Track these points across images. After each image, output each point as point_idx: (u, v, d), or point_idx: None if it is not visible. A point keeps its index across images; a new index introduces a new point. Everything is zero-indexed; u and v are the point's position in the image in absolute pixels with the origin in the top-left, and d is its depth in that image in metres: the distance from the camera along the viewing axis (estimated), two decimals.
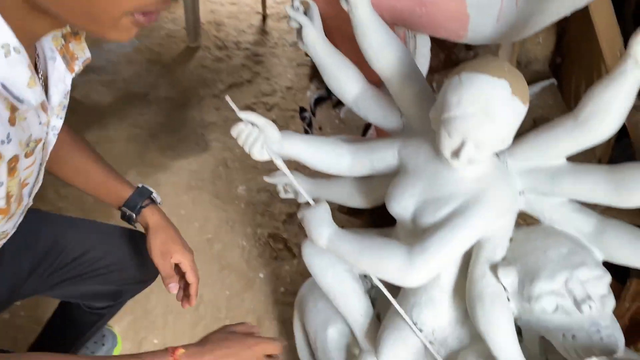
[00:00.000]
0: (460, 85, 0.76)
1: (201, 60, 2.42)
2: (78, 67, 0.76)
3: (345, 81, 1.01)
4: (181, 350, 0.72)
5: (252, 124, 0.91)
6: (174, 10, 2.72)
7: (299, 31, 1.00)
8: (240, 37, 2.56)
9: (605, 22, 1.31)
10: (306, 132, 1.97)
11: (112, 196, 0.97)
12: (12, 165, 0.64)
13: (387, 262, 0.87)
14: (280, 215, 1.76)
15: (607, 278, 0.85)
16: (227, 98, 0.91)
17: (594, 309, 0.82)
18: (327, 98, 2.16)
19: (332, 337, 1.16)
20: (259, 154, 0.92)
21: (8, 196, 0.66)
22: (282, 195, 1.21)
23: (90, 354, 1.33)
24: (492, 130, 0.76)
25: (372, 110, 1.03)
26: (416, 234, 0.90)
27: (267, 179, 1.20)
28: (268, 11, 2.71)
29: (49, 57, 0.71)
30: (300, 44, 1.01)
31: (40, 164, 0.77)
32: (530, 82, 1.59)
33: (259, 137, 0.91)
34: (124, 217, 0.98)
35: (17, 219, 0.81)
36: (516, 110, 0.76)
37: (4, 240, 0.82)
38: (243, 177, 1.87)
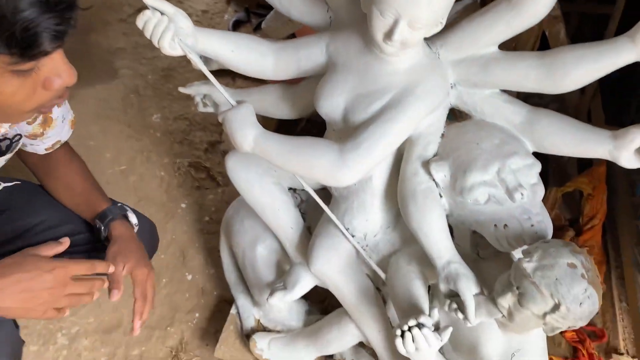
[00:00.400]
0: None
1: None
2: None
3: None
4: None
5: (161, 12, 0.80)
6: None
7: None
8: None
9: None
10: None
11: (90, 210, 0.96)
12: None
13: (318, 160, 0.81)
14: (201, 144, 1.65)
15: (538, 166, 0.84)
16: None
17: (526, 196, 0.81)
18: (247, 21, 2.04)
19: (262, 254, 1.11)
20: (170, 47, 0.81)
21: None
22: (201, 108, 1.12)
23: None
24: (427, 6, 0.71)
25: (296, 4, 0.94)
26: (348, 133, 0.84)
27: (182, 90, 1.09)
28: None
29: None
30: None
31: None
32: None
33: (169, 27, 0.80)
34: (95, 230, 0.94)
35: None
36: None
37: None
38: (157, 105, 1.74)
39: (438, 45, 0.86)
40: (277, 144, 0.82)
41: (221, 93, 0.87)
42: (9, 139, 0.86)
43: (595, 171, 1.41)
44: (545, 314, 0.73)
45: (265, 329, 1.18)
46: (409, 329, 0.77)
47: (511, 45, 1.35)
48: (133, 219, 0.98)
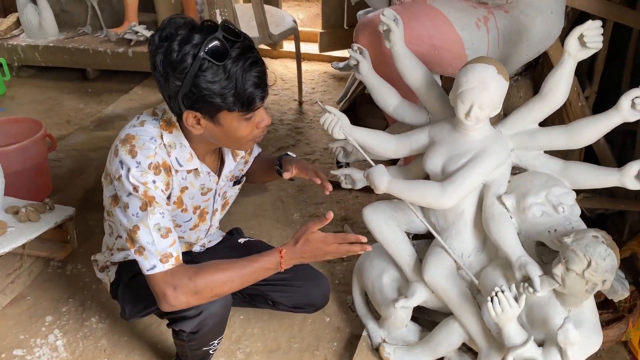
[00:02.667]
0: (466, 70, 1.27)
1: None
2: (239, 157, 1.43)
3: (388, 96, 1.53)
4: (284, 250, 1.22)
5: (334, 114, 1.41)
6: None
7: (356, 66, 1.54)
8: (283, 117, 3.17)
9: None
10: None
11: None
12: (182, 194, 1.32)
13: (428, 192, 1.32)
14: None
15: (573, 194, 1.30)
16: (318, 100, 1.44)
17: (566, 210, 1.26)
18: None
19: (386, 282, 1.56)
20: (337, 133, 1.41)
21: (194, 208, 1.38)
22: (343, 185, 1.67)
23: None
24: (488, 96, 1.26)
25: (408, 113, 1.53)
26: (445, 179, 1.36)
27: (332, 172, 1.67)
28: (303, 99, 3.35)
29: (225, 154, 1.39)
30: (357, 75, 1.55)
31: (215, 202, 1.43)
32: None
33: (338, 122, 1.41)
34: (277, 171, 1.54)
35: (205, 231, 1.47)
36: (501, 83, 1.27)
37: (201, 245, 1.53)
38: (296, 208, 2.34)
39: (500, 126, 1.39)
40: (401, 184, 1.35)
41: (368, 160, 1.43)
42: (237, 176, 1.48)
43: None
44: (583, 272, 1.13)
45: None
46: (496, 294, 1.19)
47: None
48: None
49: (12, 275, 1.76)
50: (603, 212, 2.10)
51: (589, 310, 1.24)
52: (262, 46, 3.82)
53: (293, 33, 3.08)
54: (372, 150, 1.49)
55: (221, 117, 1.15)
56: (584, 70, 2.09)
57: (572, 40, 1.25)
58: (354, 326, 1.77)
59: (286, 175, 1.47)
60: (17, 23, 3.60)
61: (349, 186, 1.65)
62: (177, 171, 1.26)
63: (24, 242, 1.61)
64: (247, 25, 2.88)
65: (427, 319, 1.65)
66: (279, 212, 2.33)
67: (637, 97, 1.19)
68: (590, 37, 1.23)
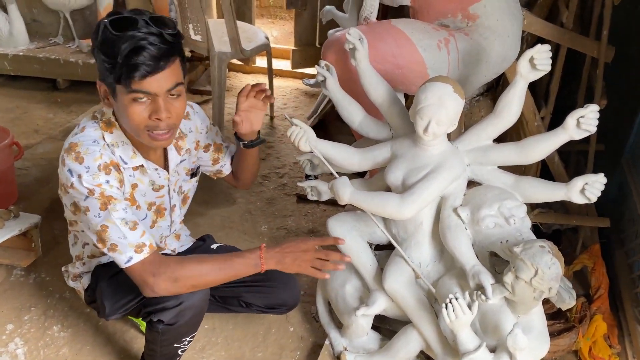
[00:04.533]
0: (425, 88, 1.34)
1: None
2: (183, 151, 1.44)
3: (353, 112, 1.59)
4: (264, 248, 1.26)
5: (300, 127, 1.46)
6: None
7: (323, 82, 1.60)
8: None
9: None
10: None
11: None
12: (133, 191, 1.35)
13: (388, 203, 1.37)
14: None
15: (524, 207, 1.37)
16: (285, 114, 1.50)
17: (517, 222, 1.33)
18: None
19: (349, 291, 1.61)
20: (304, 146, 1.46)
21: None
22: (309, 197, 1.71)
23: None
24: (445, 113, 1.33)
25: (371, 128, 1.60)
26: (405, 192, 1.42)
27: (299, 184, 1.71)
28: (275, 114, 3.40)
29: (169, 149, 1.39)
30: (324, 90, 1.61)
31: (171, 199, 1.45)
32: None
33: (304, 135, 1.46)
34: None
35: (167, 228, 1.48)
36: (457, 101, 1.34)
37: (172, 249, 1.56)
38: (264, 220, 2.38)
39: (457, 142, 1.47)
40: (363, 196, 1.40)
41: (332, 172, 1.48)
42: (193, 169, 1.52)
43: (592, 249, 1.86)
44: (531, 279, 1.20)
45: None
46: (450, 301, 1.25)
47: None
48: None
49: None
50: (559, 227, 2.19)
51: (538, 317, 1.31)
52: (235, 61, 3.88)
53: (265, 49, 3.14)
54: (337, 163, 1.55)
55: (117, 93, 1.16)
56: (541, 92, 2.20)
57: (523, 62, 1.33)
58: (317, 335, 1.80)
59: (236, 119, 1.44)
60: None
61: (315, 198, 1.70)
62: (124, 168, 1.29)
63: None
64: (220, 40, 2.93)
65: (388, 329, 1.70)
66: (247, 224, 2.36)
67: (581, 117, 1.28)
68: (540, 60, 1.31)
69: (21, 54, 3.40)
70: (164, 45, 1.13)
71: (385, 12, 2.45)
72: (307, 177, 2.21)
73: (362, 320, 1.56)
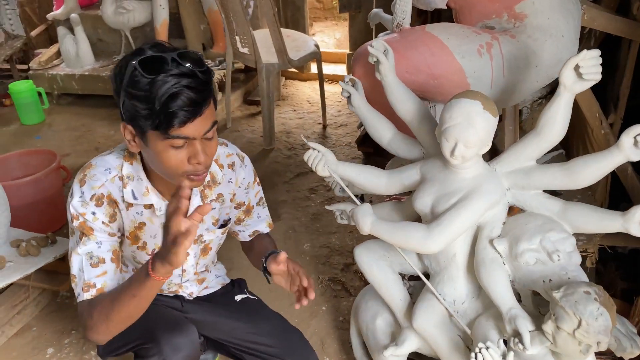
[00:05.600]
0: (450, 106, 1.19)
1: (274, 158, 2.98)
2: (208, 200, 1.32)
3: (381, 129, 1.46)
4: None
5: (318, 150, 1.36)
6: (254, 124, 3.38)
7: (349, 98, 1.48)
8: None
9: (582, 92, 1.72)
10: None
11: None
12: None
13: (412, 235, 1.23)
14: (339, 265, 2.13)
15: (572, 239, 1.18)
16: (302, 136, 1.39)
17: (562, 258, 1.14)
18: None
19: (380, 326, 1.48)
20: (322, 171, 1.35)
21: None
22: (339, 220, 1.60)
23: None
24: (474, 133, 1.17)
25: (401, 147, 1.46)
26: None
27: (327, 207, 1.61)
28: (327, 122, 3.31)
29: (194, 194, 1.28)
30: (350, 107, 1.49)
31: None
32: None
33: (322, 159, 1.35)
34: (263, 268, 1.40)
35: (178, 276, 1.40)
36: (488, 120, 1.17)
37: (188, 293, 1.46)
38: (307, 238, 2.29)
39: (495, 163, 1.29)
40: (385, 225, 1.27)
41: (352, 198, 1.37)
42: (225, 220, 1.41)
43: None
44: (574, 331, 1.01)
45: None
46: (479, 350, 1.09)
47: None
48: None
49: (19, 307, 1.80)
50: (637, 246, 1.92)
51: None
52: (291, 69, 3.83)
53: (315, 57, 3.05)
54: (362, 187, 1.43)
55: (150, 137, 1.08)
56: (610, 95, 1.93)
57: (567, 71, 1.14)
58: None
59: (274, 270, 1.34)
60: (58, 53, 3.78)
61: (345, 221, 1.59)
62: (130, 205, 1.23)
63: (20, 277, 1.64)
64: (268, 52, 2.88)
65: None
66: (290, 242, 2.28)
67: (639, 135, 1.07)
68: (587, 68, 1.12)
69: (87, 73, 3.56)
70: (200, 87, 1.06)
71: (426, 18, 2.27)
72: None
73: None
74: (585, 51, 1.11)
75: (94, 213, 1.17)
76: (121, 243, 1.28)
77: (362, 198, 2.44)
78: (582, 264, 1.68)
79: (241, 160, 1.40)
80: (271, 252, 1.38)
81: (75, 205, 1.17)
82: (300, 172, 2.78)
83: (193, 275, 1.44)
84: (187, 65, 1.05)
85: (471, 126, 1.17)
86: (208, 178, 1.30)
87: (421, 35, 1.58)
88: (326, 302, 1.97)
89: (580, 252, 1.65)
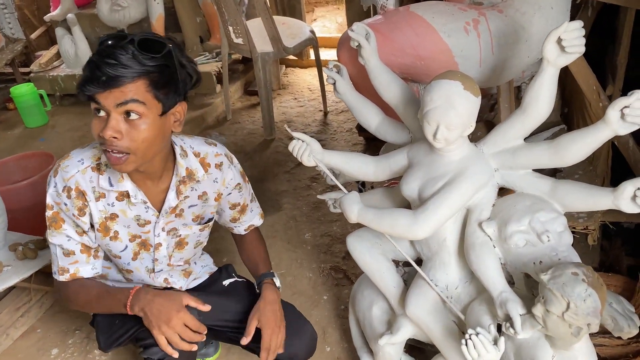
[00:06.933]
0: (430, 88, 1.15)
1: (275, 148, 2.96)
2: (182, 196, 1.33)
3: (368, 115, 1.43)
4: (136, 290, 1.21)
5: (302, 140, 1.33)
6: (254, 114, 3.36)
7: (335, 85, 1.45)
8: (307, 129, 3.11)
9: (577, 64, 1.66)
10: (360, 190, 2.37)
11: (255, 273, 1.50)
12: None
13: (399, 221, 1.20)
14: (340, 253, 2.12)
15: (562, 219, 1.14)
16: (285, 126, 1.37)
17: (552, 239, 1.11)
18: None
19: (376, 313, 1.46)
20: (307, 161, 1.33)
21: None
22: (332, 209, 1.58)
23: None
24: (455, 115, 1.13)
25: (389, 132, 1.42)
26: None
27: (319, 196, 1.59)
28: (328, 108, 3.27)
29: (171, 189, 1.31)
30: (336, 94, 1.46)
31: (155, 237, 1.36)
32: (544, 129, 1.93)
33: (307, 148, 1.33)
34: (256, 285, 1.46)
35: (151, 262, 1.41)
36: (469, 100, 1.13)
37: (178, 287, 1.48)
38: (309, 227, 2.28)
39: (481, 144, 1.25)
40: (372, 213, 1.24)
41: (339, 186, 1.34)
42: (206, 218, 1.43)
43: None
44: (563, 314, 0.98)
45: None
46: (469, 336, 1.06)
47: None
48: (277, 282, 1.44)
49: (22, 309, 1.82)
50: None
51: (583, 354, 1.08)
52: (290, 56, 3.79)
53: (311, 43, 3.01)
54: (350, 174, 1.41)
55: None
56: (608, 67, 1.87)
57: (549, 45, 1.09)
58: (355, 357, 1.67)
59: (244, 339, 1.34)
60: (58, 55, 3.79)
61: (338, 210, 1.56)
62: (102, 195, 1.26)
63: (18, 280, 1.66)
64: (263, 41, 2.85)
65: (430, 349, 1.53)
66: (291, 232, 2.27)
67: (625, 107, 1.03)
68: (570, 41, 1.07)
69: None
70: (122, 63, 1.07)
71: None
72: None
73: (389, 349, 1.41)
74: (566, 23, 1.07)
75: (65, 204, 1.24)
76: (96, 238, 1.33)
77: (363, 184, 2.42)
78: (584, 242, 1.66)
79: (230, 161, 1.41)
80: (263, 275, 1.46)
81: (52, 194, 1.26)
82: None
83: (167, 267, 1.44)
84: (130, 46, 1.09)
85: (452, 108, 1.13)
86: (183, 174, 1.31)
87: (405, 16, 1.54)
88: (328, 291, 1.96)
89: (581, 229, 1.63)
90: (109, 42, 1.10)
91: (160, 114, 1.15)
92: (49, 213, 1.26)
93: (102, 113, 1.10)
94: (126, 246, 1.34)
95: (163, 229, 1.35)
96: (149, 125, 1.13)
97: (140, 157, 1.15)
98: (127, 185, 1.25)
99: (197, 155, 1.34)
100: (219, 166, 1.38)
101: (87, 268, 1.30)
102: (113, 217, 1.29)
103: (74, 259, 1.29)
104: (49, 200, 1.26)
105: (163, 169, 1.28)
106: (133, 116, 1.10)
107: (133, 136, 1.11)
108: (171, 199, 1.31)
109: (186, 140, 1.35)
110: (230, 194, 1.43)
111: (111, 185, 1.25)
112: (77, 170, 1.23)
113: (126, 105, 1.09)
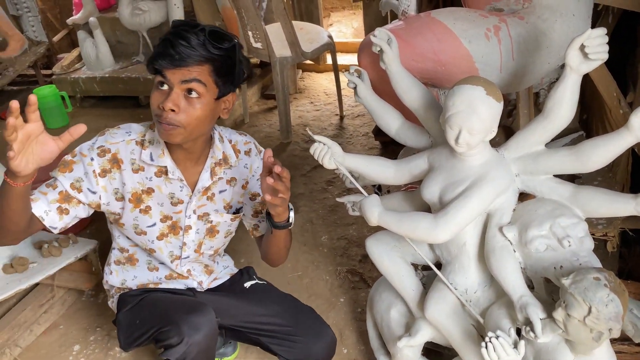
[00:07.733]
0: (452, 93, 1.17)
1: (292, 151, 2.99)
2: (216, 177, 1.40)
3: (389, 119, 1.45)
4: None
5: (323, 143, 1.35)
6: (271, 118, 3.39)
7: (355, 90, 1.47)
8: (323, 133, 3.14)
9: (598, 70, 1.66)
10: (376, 194, 2.38)
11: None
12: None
13: (419, 225, 1.22)
14: (357, 256, 2.13)
15: (583, 224, 1.15)
16: (307, 129, 1.39)
17: (573, 244, 1.12)
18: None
19: (394, 316, 1.47)
20: (328, 163, 1.35)
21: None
22: (351, 212, 1.59)
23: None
24: (477, 120, 1.15)
25: (409, 136, 1.44)
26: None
27: (338, 199, 1.61)
28: (344, 112, 3.29)
29: (204, 169, 1.38)
30: (356, 98, 1.48)
31: (186, 218, 1.39)
32: (563, 135, 1.93)
33: (328, 151, 1.35)
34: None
35: (178, 248, 1.43)
36: (492, 105, 1.15)
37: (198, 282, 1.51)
38: (325, 230, 2.29)
39: (503, 149, 1.26)
40: (392, 216, 1.26)
41: (360, 189, 1.36)
42: (236, 207, 1.47)
43: None
44: (585, 318, 0.99)
45: None
46: (490, 339, 1.07)
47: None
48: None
49: (45, 306, 1.86)
50: None
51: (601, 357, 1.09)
52: (307, 61, 3.82)
53: (328, 48, 3.04)
54: (371, 177, 1.42)
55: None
56: (629, 73, 1.86)
57: (572, 52, 1.11)
58: (372, 358, 1.68)
59: (267, 199, 1.33)
60: (79, 57, 3.86)
61: (357, 213, 1.58)
62: (141, 168, 1.32)
63: (42, 277, 1.69)
64: (281, 45, 2.88)
65: (447, 353, 1.54)
66: (307, 234, 2.29)
67: None
68: (593, 48, 1.08)
69: (107, 75, 3.63)
70: (193, 47, 1.18)
71: (437, 4, 2.23)
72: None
73: (407, 351, 1.42)
74: (590, 30, 1.08)
75: (92, 159, 1.28)
76: (118, 220, 1.37)
77: (379, 188, 2.43)
78: (603, 249, 1.65)
79: (257, 150, 1.51)
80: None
81: (83, 146, 1.30)
82: (317, 164, 2.71)
83: (194, 253, 1.46)
84: (202, 33, 1.19)
85: (474, 113, 1.14)
86: (220, 157, 1.39)
87: (426, 22, 1.56)
88: (344, 293, 1.97)
89: (601, 236, 1.63)
90: (184, 26, 1.20)
91: (215, 98, 1.25)
92: (67, 157, 1.30)
93: (165, 87, 1.20)
94: (155, 223, 1.38)
95: (194, 212, 1.39)
96: (204, 105, 1.23)
97: (189, 133, 1.24)
98: (167, 161, 1.32)
99: (230, 142, 1.44)
100: (248, 153, 1.48)
101: (42, 205, 1.24)
102: (149, 191, 1.35)
103: (47, 191, 1.26)
104: (77, 149, 1.30)
105: (202, 151, 1.36)
106: (193, 94, 1.21)
107: (189, 112, 1.21)
108: (205, 179, 1.38)
109: (222, 130, 1.45)
110: (255, 183, 1.48)
111: (152, 159, 1.32)
112: (122, 139, 1.31)
113: (190, 84, 1.19)
